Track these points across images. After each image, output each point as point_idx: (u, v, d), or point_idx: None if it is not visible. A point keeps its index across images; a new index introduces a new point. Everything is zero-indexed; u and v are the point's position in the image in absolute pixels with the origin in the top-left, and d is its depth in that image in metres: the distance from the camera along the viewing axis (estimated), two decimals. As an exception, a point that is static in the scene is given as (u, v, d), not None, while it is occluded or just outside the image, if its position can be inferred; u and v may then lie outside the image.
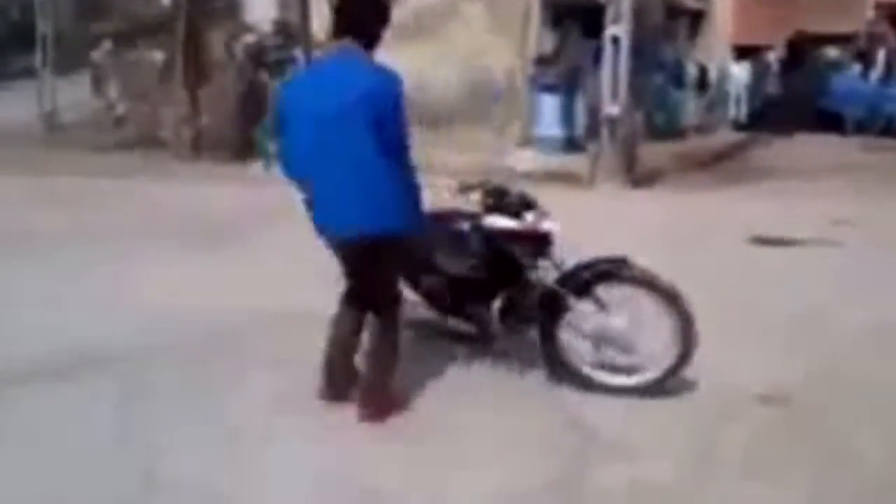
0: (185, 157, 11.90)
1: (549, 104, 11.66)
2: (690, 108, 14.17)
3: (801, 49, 16.30)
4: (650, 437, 3.38)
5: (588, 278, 3.70)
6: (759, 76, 15.44)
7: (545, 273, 3.75)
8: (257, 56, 12.67)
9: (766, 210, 8.04)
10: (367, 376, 3.58)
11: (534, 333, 3.84)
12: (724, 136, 13.91)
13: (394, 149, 3.23)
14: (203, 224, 7.63)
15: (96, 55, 15.63)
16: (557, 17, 12.50)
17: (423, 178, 3.42)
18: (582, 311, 3.71)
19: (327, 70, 3.38)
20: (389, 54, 3.53)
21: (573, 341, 3.78)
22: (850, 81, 15.03)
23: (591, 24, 10.65)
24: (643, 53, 10.90)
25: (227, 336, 4.59)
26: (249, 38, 13.06)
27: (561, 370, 3.80)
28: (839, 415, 3.62)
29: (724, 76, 14.88)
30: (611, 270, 3.70)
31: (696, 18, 14.97)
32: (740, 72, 15.06)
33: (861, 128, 14.15)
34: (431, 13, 11.87)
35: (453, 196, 3.92)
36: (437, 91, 11.66)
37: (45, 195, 9.08)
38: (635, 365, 3.74)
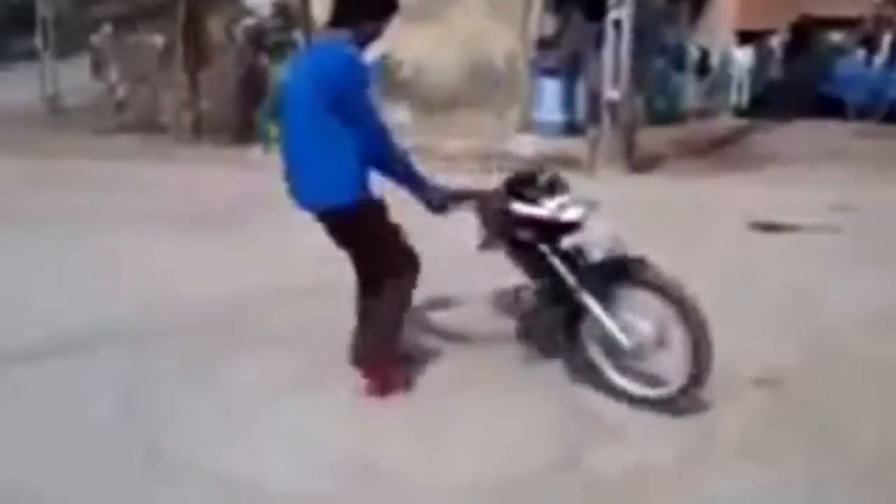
0: (185, 140, 11.91)
1: (550, 88, 11.62)
2: (691, 92, 14.10)
3: (805, 33, 16.17)
4: (648, 421, 3.40)
5: (605, 276, 3.47)
6: (761, 61, 15.34)
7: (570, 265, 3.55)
8: (257, 39, 12.63)
9: (765, 196, 8.04)
10: (359, 345, 3.68)
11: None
12: (725, 122, 13.85)
13: (360, 128, 3.38)
14: (203, 206, 7.67)
15: (96, 38, 15.58)
16: (559, 0, 12.44)
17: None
18: (597, 312, 3.49)
19: (308, 55, 3.74)
20: (390, 38, 3.60)
21: (593, 341, 3.61)
22: (854, 66, 14.94)
23: (593, 7, 10.59)
24: (645, 37, 10.84)
25: (228, 315, 4.64)
26: (249, 21, 13.01)
27: (582, 367, 3.66)
28: (835, 397, 3.65)
29: (726, 60, 14.80)
30: (627, 271, 3.43)
31: (699, 1, 14.87)
32: (743, 56, 14.97)
33: (863, 113, 14.09)
34: (433, -3, 11.81)
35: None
36: (436, 75, 11.64)
37: (47, 178, 9.10)
38: (658, 376, 3.52)
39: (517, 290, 3.86)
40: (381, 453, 3.18)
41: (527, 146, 10.58)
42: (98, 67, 15.63)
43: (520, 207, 3.55)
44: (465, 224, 3.84)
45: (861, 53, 15.25)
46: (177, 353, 4.11)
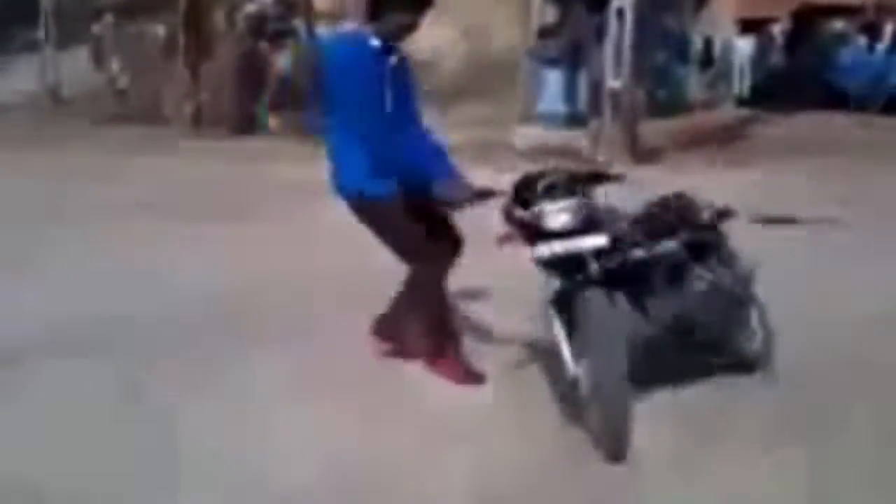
0: (186, 131, 11.92)
1: (552, 79, 11.60)
2: (693, 83, 14.08)
3: (806, 21, 16.10)
4: (650, 408, 3.42)
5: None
6: (763, 50, 15.30)
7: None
8: (258, 27, 12.61)
9: (767, 188, 8.04)
10: (380, 319, 3.90)
11: None
12: (727, 112, 13.83)
13: (347, 116, 3.51)
14: (205, 198, 7.69)
15: (97, 29, 15.56)
16: (561, -10, 12.40)
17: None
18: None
19: (332, 44, 4.08)
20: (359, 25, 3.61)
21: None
22: (855, 55, 14.90)
23: (595, -3, 10.58)
24: (647, 27, 10.82)
25: (232, 309, 4.64)
26: (250, 9, 12.98)
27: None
28: (834, 396, 3.66)
29: (728, 50, 14.77)
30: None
31: (701, -9, 14.82)
32: (744, 45, 14.93)
33: (865, 102, 14.06)
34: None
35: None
36: (438, 66, 11.62)
37: (53, 169, 9.13)
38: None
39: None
40: (387, 450, 3.19)
41: (528, 137, 10.58)
42: (99, 58, 15.64)
43: (517, 210, 3.49)
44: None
45: (862, 41, 15.19)
46: (179, 347, 4.10)
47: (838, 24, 15.97)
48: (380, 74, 3.48)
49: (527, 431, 3.34)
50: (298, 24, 12.59)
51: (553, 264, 3.31)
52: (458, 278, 3.82)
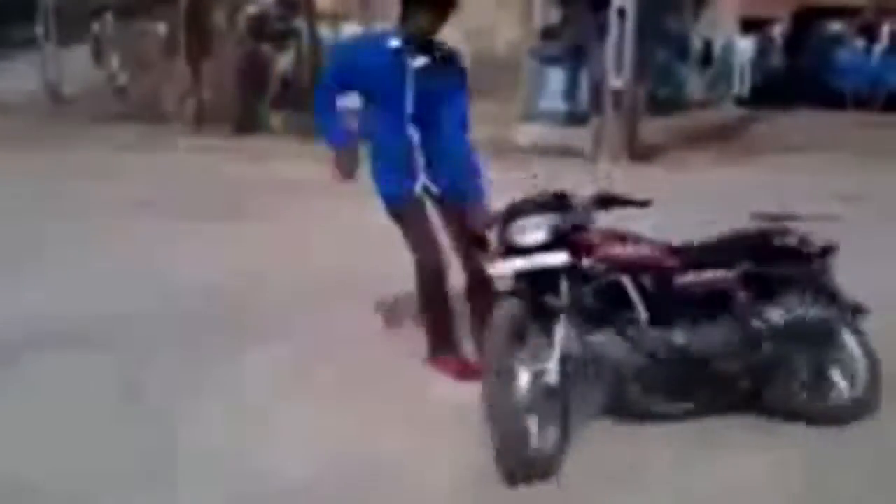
0: (187, 130, 11.92)
1: (553, 77, 11.63)
2: (694, 82, 14.13)
3: (806, 22, 16.16)
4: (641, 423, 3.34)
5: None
6: (763, 50, 15.36)
7: None
8: (259, 28, 12.63)
9: (766, 185, 8.07)
10: None
11: None
12: (727, 111, 13.89)
13: (374, 116, 3.58)
14: (206, 196, 7.71)
15: (97, 27, 15.56)
16: (563, -11, 12.44)
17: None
18: None
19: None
20: (391, 26, 3.63)
21: None
22: (853, 56, 14.97)
23: (597, -4, 10.61)
24: (648, 26, 10.86)
25: (234, 306, 4.64)
26: (251, 10, 13.00)
27: None
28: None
29: (728, 50, 14.82)
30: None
31: (702, -9, 14.86)
32: (745, 46, 14.98)
33: (862, 103, 14.12)
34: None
35: None
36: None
37: (53, 168, 9.14)
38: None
39: None
40: (386, 447, 3.17)
41: (529, 135, 10.62)
42: (99, 56, 15.63)
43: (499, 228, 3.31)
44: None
45: (860, 42, 15.26)
46: (179, 345, 4.08)
47: (836, 26, 16.04)
48: (399, 75, 3.48)
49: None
50: (300, 24, 12.60)
51: (526, 283, 3.07)
52: (460, 279, 3.80)
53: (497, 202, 3.45)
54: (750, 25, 15.08)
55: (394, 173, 3.58)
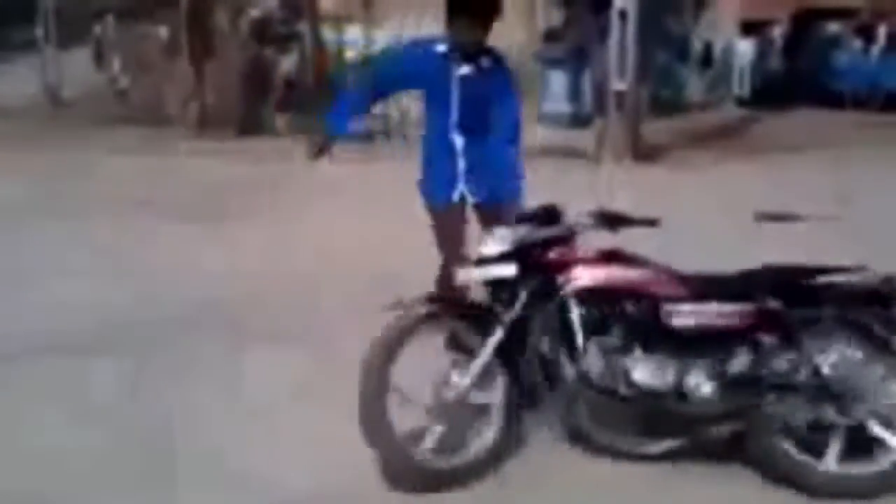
0: (190, 133, 11.92)
1: (557, 79, 11.70)
2: (695, 84, 14.19)
3: (805, 24, 16.24)
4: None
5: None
6: (762, 52, 15.42)
7: None
8: (262, 31, 12.64)
9: (767, 186, 8.11)
10: None
11: None
12: (728, 112, 13.93)
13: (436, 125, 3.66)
14: (208, 198, 7.72)
15: (98, 29, 15.55)
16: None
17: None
18: None
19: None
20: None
21: None
22: (851, 57, 15.04)
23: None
24: (649, 28, 10.92)
25: (236, 309, 4.64)
26: (254, 13, 13.01)
27: None
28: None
29: (728, 52, 14.88)
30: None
31: (703, -7, 14.91)
32: (745, 47, 15.04)
33: (861, 103, 14.19)
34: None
35: None
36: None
37: (53, 170, 9.14)
38: None
39: None
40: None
41: (534, 136, 10.65)
42: (100, 58, 15.60)
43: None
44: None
45: (857, 44, 15.33)
46: (180, 346, 4.08)
47: (834, 27, 16.11)
48: (445, 81, 3.49)
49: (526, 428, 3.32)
50: (303, 27, 12.60)
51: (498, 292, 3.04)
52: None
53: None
54: (750, 27, 15.14)
55: (435, 177, 3.63)
